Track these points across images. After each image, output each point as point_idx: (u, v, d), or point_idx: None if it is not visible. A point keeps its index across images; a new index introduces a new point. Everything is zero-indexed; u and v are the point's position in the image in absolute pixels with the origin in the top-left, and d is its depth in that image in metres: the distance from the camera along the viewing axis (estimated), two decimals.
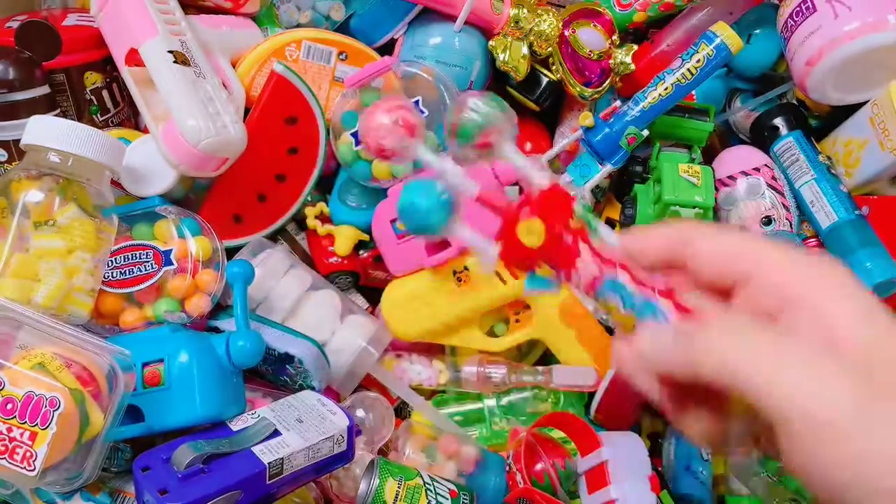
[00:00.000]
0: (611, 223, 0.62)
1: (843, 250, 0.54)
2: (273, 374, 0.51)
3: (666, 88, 0.54)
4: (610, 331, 0.56)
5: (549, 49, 0.55)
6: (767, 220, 0.56)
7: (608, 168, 0.57)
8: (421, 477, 0.46)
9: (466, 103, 0.32)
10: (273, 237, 0.57)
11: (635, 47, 0.58)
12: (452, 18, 0.56)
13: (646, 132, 0.56)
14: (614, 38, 0.58)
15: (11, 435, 0.37)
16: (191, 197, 0.54)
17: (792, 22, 0.55)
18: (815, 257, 0.24)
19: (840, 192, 0.56)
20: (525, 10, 0.57)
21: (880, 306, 0.22)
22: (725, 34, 0.55)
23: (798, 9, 0.54)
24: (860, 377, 0.21)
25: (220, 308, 0.50)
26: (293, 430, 0.41)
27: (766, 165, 0.58)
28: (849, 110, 0.58)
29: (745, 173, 0.57)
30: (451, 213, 0.28)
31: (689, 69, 0.53)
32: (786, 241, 0.23)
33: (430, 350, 0.57)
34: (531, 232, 0.28)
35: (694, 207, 0.53)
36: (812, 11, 0.53)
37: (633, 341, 0.26)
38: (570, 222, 0.28)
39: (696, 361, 0.23)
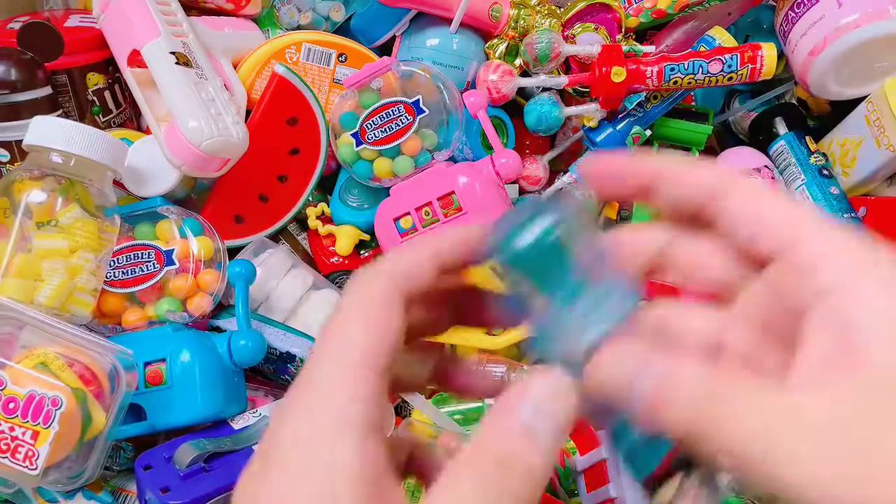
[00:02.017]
0: (610, 224, 0.62)
1: None
2: (274, 373, 0.51)
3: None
4: None
5: (540, 65, 0.56)
6: None
7: None
8: None
9: (532, 42, 0.54)
10: (274, 237, 0.57)
11: (639, 45, 0.59)
12: (449, 21, 0.56)
13: (649, 131, 0.57)
14: (618, 37, 0.59)
15: (14, 434, 0.37)
16: (192, 197, 0.55)
17: (793, 14, 0.55)
18: (867, 244, 0.18)
19: (830, 194, 0.56)
20: (525, 11, 0.57)
21: None
22: (723, 38, 0.56)
23: (799, 0, 0.55)
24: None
25: (221, 308, 0.51)
26: None
27: (766, 166, 0.58)
28: (846, 111, 0.58)
29: (745, 174, 0.57)
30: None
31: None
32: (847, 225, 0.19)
33: None
34: (617, 73, 0.52)
35: None
36: (814, 2, 0.53)
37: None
38: (622, 56, 0.53)
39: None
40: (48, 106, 0.49)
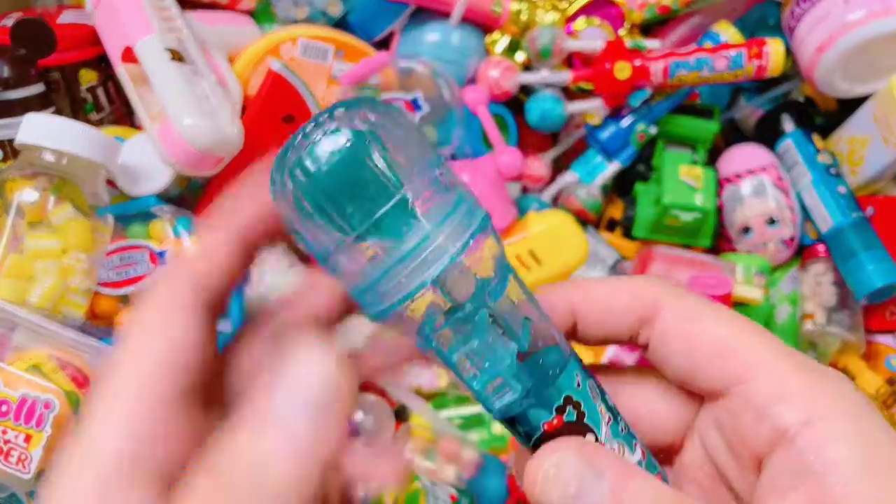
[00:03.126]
0: (612, 223, 0.61)
1: (843, 254, 0.54)
2: None
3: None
4: None
5: (543, 59, 0.55)
6: (771, 221, 0.56)
7: (617, 165, 0.57)
8: (420, 481, 0.46)
9: (534, 37, 0.54)
10: None
11: (644, 41, 0.58)
12: (449, 15, 0.55)
13: (654, 129, 0.56)
14: (620, 31, 0.58)
15: (6, 437, 0.36)
16: (186, 196, 0.54)
17: (799, 10, 0.54)
18: (821, 369, 0.17)
19: (838, 193, 0.55)
20: (527, 6, 0.56)
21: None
22: (729, 34, 0.55)
23: None
24: None
25: None
26: None
27: (772, 165, 0.57)
28: (854, 107, 0.57)
29: (751, 172, 0.57)
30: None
31: None
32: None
33: None
34: (621, 70, 0.51)
35: (693, 210, 0.53)
36: None
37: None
38: (627, 53, 0.52)
39: None
40: (40, 103, 0.48)
